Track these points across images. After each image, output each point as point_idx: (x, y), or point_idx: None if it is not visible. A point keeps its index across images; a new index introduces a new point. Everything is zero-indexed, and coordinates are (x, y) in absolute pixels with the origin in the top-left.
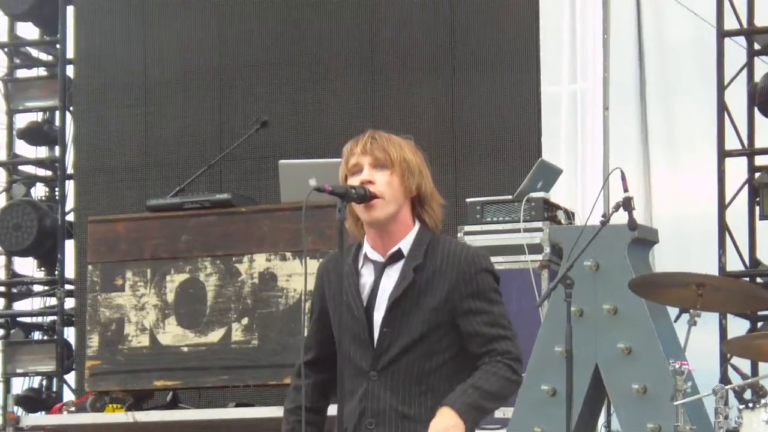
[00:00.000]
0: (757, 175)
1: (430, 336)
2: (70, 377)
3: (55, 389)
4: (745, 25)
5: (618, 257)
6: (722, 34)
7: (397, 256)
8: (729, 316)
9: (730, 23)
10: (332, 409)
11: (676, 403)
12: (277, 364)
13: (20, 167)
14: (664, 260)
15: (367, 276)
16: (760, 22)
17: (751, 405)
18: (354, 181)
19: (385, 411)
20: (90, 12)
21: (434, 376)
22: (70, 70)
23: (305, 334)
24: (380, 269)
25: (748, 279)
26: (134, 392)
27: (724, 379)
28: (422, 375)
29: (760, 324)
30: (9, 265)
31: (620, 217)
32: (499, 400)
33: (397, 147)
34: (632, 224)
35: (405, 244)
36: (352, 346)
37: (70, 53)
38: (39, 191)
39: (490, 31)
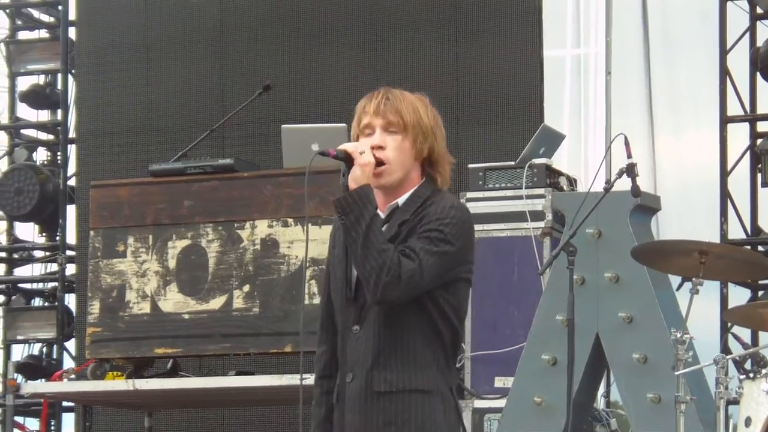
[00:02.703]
0: (759, 141)
1: None
2: (71, 344)
3: (55, 356)
4: None
5: (620, 224)
6: None
7: (396, 211)
8: (730, 285)
9: None
10: None
11: (676, 372)
12: (279, 332)
13: (22, 131)
14: (666, 228)
15: None
16: None
17: (751, 375)
18: (365, 142)
19: (359, 362)
20: None
21: (402, 324)
22: (72, 33)
23: (305, 302)
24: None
25: (749, 247)
26: (135, 360)
27: (725, 349)
28: (390, 321)
29: (761, 293)
30: (10, 230)
31: (623, 184)
32: (365, 251)
33: (411, 108)
34: (635, 191)
35: (402, 200)
36: (341, 305)
37: (72, 15)
38: (41, 155)
39: None
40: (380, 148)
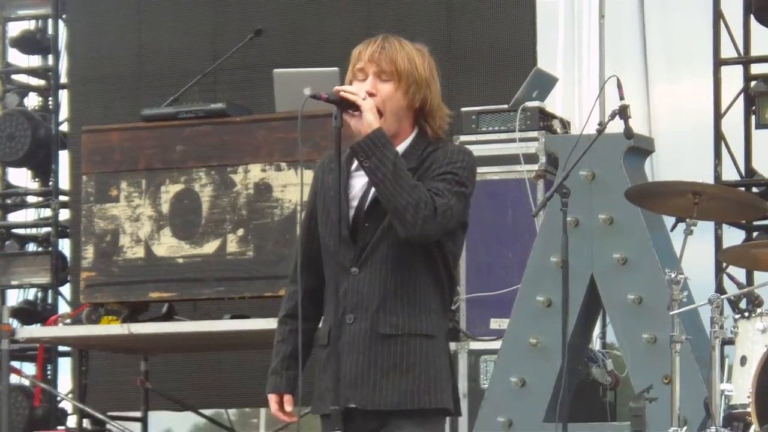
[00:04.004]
0: (752, 83)
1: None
2: (66, 289)
3: (50, 301)
4: None
5: (614, 166)
6: None
7: None
8: (724, 226)
9: None
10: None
11: (671, 312)
12: (273, 276)
13: (13, 76)
14: (661, 171)
15: (361, 178)
16: None
17: (746, 314)
18: (358, 86)
19: (362, 304)
20: None
21: (413, 271)
22: None
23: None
24: None
25: (743, 188)
26: (129, 304)
27: (720, 289)
28: (398, 265)
29: (755, 234)
30: (3, 175)
31: (617, 126)
32: (398, 188)
33: (406, 58)
34: (628, 133)
35: (400, 149)
36: (336, 243)
37: None
38: (32, 101)
39: None
40: (371, 95)
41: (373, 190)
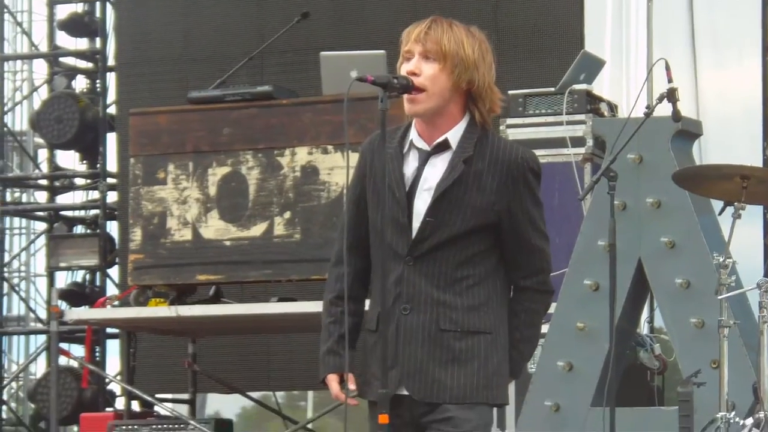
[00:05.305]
0: None
1: (472, 234)
2: (114, 271)
3: (98, 283)
4: None
5: (662, 150)
6: None
7: (443, 146)
8: None
9: None
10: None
11: (719, 297)
12: (320, 258)
13: (61, 59)
14: (709, 156)
15: (411, 162)
16: None
17: None
18: (405, 67)
19: (420, 296)
20: None
21: (471, 265)
22: None
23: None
24: (424, 158)
25: None
26: (177, 286)
27: None
28: (459, 265)
29: None
30: (51, 158)
31: (665, 110)
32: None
33: (453, 39)
34: (676, 116)
35: (453, 136)
36: (389, 229)
37: None
38: (80, 83)
39: None
40: (414, 74)
41: (423, 177)
